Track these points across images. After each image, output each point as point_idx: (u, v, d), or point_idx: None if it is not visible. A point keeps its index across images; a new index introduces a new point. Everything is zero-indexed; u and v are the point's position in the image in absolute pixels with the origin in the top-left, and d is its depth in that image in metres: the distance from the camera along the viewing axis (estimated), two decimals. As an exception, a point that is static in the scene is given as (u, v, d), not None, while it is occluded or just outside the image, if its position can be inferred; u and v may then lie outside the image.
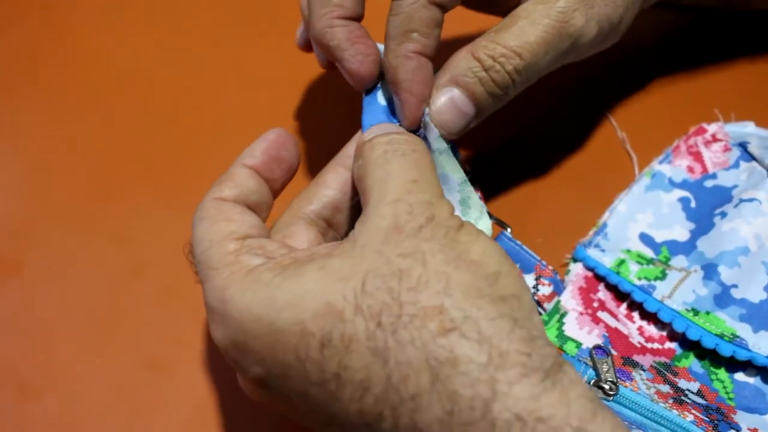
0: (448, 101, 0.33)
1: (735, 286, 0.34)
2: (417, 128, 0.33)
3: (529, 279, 0.36)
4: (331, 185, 0.32)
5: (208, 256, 0.27)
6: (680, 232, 0.37)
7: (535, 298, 0.35)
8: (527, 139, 0.43)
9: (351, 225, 0.32)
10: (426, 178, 0.28)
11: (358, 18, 0.34)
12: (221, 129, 0.45)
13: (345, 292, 0.24)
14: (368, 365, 0.23)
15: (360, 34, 0.34)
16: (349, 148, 0.33)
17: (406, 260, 0.24)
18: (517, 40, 0.33)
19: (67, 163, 0.44)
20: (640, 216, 0.38)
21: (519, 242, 0.37)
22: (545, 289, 0.35)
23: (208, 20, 0.52)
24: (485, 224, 0.32)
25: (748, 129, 0.41)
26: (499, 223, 0.37)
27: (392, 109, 0.34)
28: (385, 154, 0.28)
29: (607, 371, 0.32)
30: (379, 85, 0.34)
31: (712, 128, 0.41)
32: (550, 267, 0.36)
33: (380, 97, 0.34)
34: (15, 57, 0.50)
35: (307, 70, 0.47)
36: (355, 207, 0.32)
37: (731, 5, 0.46)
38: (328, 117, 0.45)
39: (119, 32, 0.51)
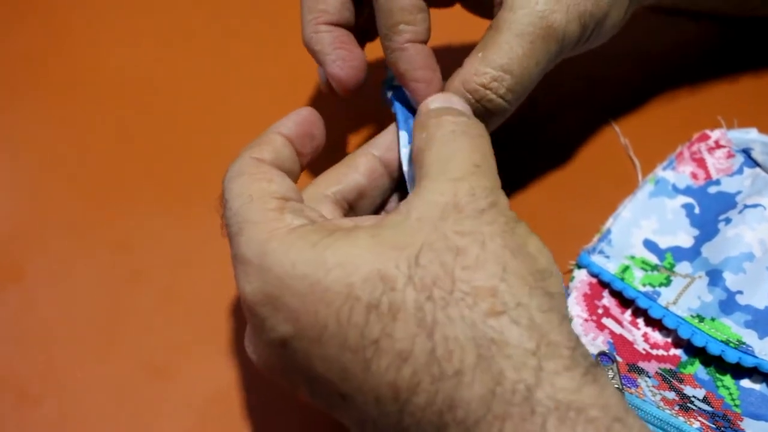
0: None
1: (740, 292, 0.34)
2: None
3: (533, 285, 0.35)
4: (360, 170, 0.32)
5: (248, 209, 0.27)
6: (684, 238, 0.37)
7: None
8: (529, 146, 0.43)
9: (372, 213, 0.33)
10: (489, 165, 0.27)
11: (345, 24, 0.35)
12: (223, 134, 0.45)
13: (398, 262, 0.24)
14: (412, 336, 0.23)
15: (345, 40, 0.35)
16: (382, 137, 0.33)
17: (464, 239, 0.24)
18: (505, 57, 0.32)
19: (68, 169, 0.44)
20: (644, 222, 0.38)
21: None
22: (549, 295, 0.35)
23: (209, 26, 0.52)
24: None
25: (751, 135, 0.41)
26: None
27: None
28: (453, 133, 0.28)
29: (613, 378, 0.32)
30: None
31: (715, 134, 0.41)
32: (554, 273, 0.36)
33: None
34: (15, 61, 0.50)
35: (311, 74, 0.47)
36: (378, 196, 0.33)
37: (741, 12, 0.46)
38: (331, 121, 0.45)
39: (120, 38, 0.51)
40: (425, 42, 0.33)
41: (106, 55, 0.50)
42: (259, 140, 0.30)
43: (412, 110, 0.34)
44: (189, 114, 0.47)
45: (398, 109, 0.34)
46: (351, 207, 0.32)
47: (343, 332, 0.24)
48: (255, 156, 0.29)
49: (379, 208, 0.33)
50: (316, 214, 0.28)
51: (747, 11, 0.46)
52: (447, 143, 0.28)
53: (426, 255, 0.24)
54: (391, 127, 0.33)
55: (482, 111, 0.33)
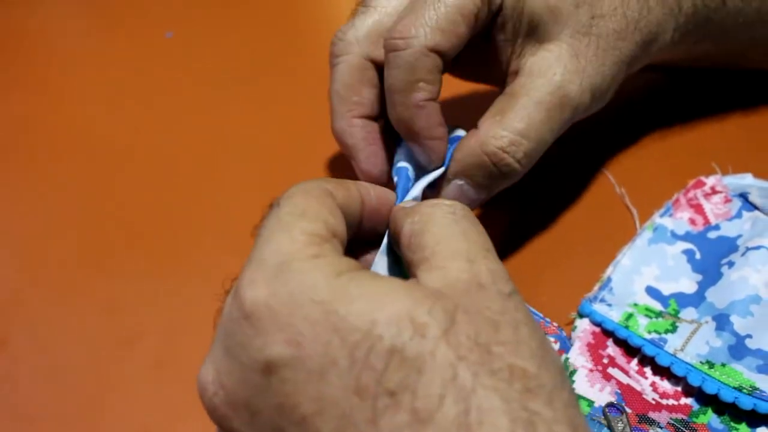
0: (457, 191, 0.34)
1: (749, 336, 0.32)
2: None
3: (535, 338, 0.34)
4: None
5: (294, 222, 0.25)
6: (687, 284, 0.36)
7: (542, 356, 0.34)
8: (525, 198, 0.42)
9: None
10: (495, 253, 0.26)
11: (376, 116, 0.36)
12: (211, 198, 0.45)
13: (432, 309, 0.22)
14: (439, 396, 0.20)
15: (376, 136, 0.36)
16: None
17: (496, 316, 0.23)
18: (522, 122, 0.33)
19: (54, 233, 0.43)
20: (645, 269, 0.37)
21: (522, 300, 0.35)
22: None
23: (197, 88, 0.52)
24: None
25: (746, 180, 0.40)
26: None
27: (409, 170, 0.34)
28: (454, 215, 0.27)
29: (623, 430, 0.30)
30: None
31: (710, 181, 0.40)
32: (555, 324, 0.35)
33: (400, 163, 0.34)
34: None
35: (300, 134, 0.47)
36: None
37: (721, 64, 0.46)
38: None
39: (107, 102, 0.52)
40: (436, 99, 0.33)
41: (91, 120, 0.50)
42: (338, 180, 0.29)
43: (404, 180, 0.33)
44: (178, 179, 0.46)
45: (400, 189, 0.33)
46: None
47: (355, 372, 0.21)
48: (330, 189, 0.27)
49: None
50: (353, 262, 0.26)
51: (734, 64, 0.46)
52: (449, 225, 0.26)
53: (461, 315, 0.22)
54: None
55: (496, 174, 0.34)
